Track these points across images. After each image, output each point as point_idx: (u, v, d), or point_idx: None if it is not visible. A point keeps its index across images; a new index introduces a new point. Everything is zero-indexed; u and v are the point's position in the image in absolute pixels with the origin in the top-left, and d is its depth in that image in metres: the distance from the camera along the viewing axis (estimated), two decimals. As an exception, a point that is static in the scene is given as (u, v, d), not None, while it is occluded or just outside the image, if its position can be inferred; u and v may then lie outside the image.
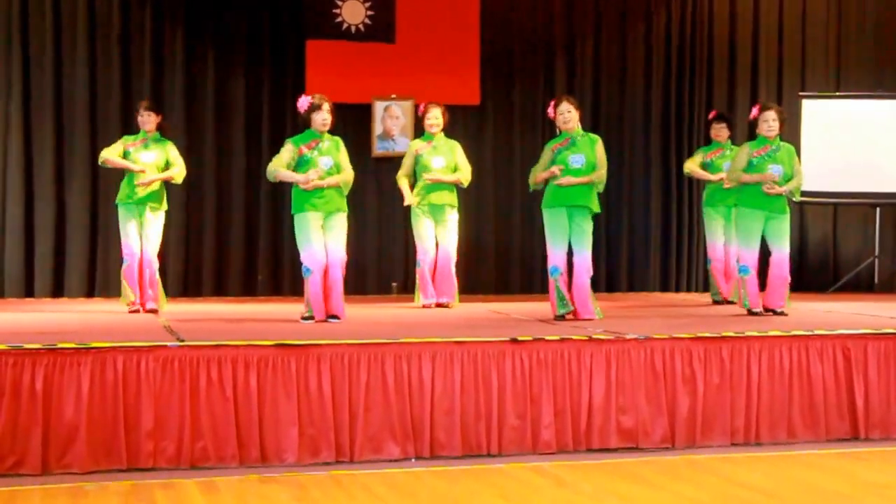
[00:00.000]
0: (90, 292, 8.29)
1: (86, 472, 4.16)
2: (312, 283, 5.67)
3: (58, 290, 8.24)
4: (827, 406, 4.97)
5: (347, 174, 5.83)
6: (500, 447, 4.61)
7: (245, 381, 4.38)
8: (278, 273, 8.77)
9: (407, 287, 8.67)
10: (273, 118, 8.78)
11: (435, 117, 7.09)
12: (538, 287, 9.15)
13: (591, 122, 9.37)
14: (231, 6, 8.67)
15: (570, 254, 5.99)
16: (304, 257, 5.71)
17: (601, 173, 5.94)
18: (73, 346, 4.29)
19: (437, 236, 7.08)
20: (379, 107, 8.96)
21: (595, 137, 6.04)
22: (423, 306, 6.99)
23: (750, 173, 6.23)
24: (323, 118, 5.73)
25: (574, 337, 4.82)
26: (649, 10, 9.56)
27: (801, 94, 9.32)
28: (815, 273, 9.66)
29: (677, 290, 9.47)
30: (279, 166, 5.74)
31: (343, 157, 5.84)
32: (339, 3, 8.87)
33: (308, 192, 5.67)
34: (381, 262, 9.03)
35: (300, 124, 5.90)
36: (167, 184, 6.76)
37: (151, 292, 6.58)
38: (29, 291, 8.19)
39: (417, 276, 7.13)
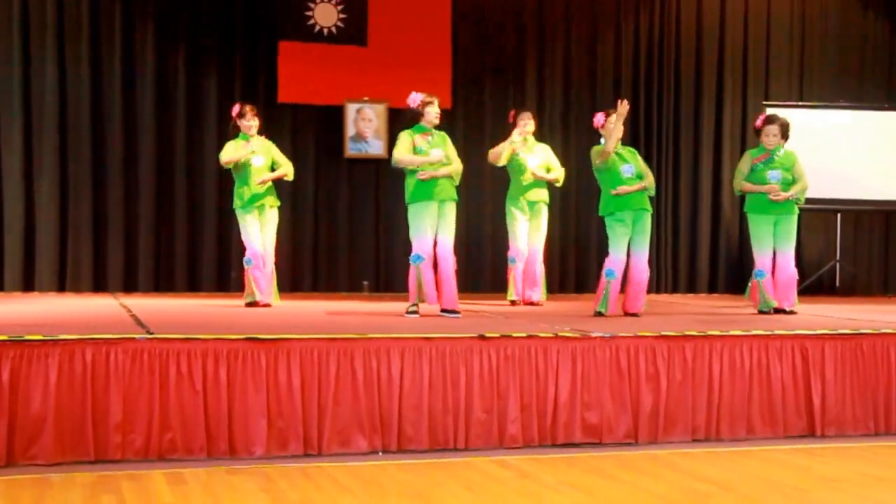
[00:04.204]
0: (61, 287, 8.27)
1: (52, 463, 4.17)
2: (422, 271, 5.95)
3: (28, 285, 8.22)
4: (785, 404, 5.10)
5: (457, 165, 6.16)
6: (467, 441, 4.68)
7: (214, 374, 4.41)
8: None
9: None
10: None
11: (522, 122, 7.35)
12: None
13: (561, 127, 9.53)
14: (203, 7, 8.69)
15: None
16: (416, 245, 5.99)
17: (651, 180, 6.35)
18: (40, 337, 4.29)
19: (529, 234, 7.33)
20: (351, 109, 9.01)
21: (633, 150, 6.46)
22: (512, 303, 7.25)
23: (752, 181, 6.55)
24: (436, 112, 6.14)
25: (541, 334, 4.90)
26: (618, 20, 9.73)
27: (764, 102, 9.52)
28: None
29: (649, 291, 9.58)
30: (406, 152, 6.06)
31: (451, 149, 6.17)
32: (312, 6, 8.92)
33: (424, 182, 5.98)
34: (353, 262, 9.09)
35: (409, 119, 6.20)
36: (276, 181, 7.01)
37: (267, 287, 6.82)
38: (-1, 285, 8.18)
39: (512, 272, 7.32)
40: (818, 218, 9.97)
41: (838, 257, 9.68)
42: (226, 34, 8.77)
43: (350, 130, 9.04)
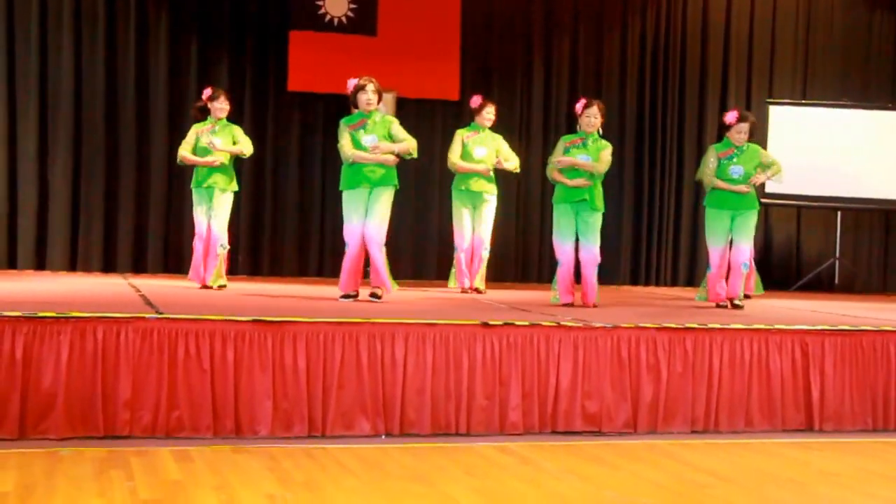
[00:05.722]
0: (72, 266, 8.38)
1: (62, 438, 4.25)
2: (346, 258, 6.01)
3: (41, 264, 8.33)
4: (784, 398, 5.16)
5: (402, 144, 5.97)
6: (469, 427, 4.74)
7: (222, 355, 4.48)
8: (257, 253, 8.91)
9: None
10: (255, 108, 8.89)
11: (489, 113, 7.33)
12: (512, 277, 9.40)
13: (567, 122, 9.57)
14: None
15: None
16: (345, 233, 6.00)
17: (599, 165, 6.17)
18: (53, 315, 4.37)
19: (473, 223, 7.34)
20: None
21: (605, 144, 6.29)
22: (462, 290, 7.27)
23: (718, 177, 6.56)
24: (367, 98, 5.94)
25: (543, 323, 4.97)
26: (625, 17, 9.78)
27: (768, 100, 9.58)
28: (778, 272, 9.96)
29: (647, 283, 9.71)
30: (349, 148, 5.96)
31: (395, 130, 5.99)
32: (323, -4, 8.99)
33: (351, 168, 5.94)
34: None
35: (349, 105, 6.16)
36: (237, 165, 7.07)
37: (213, 266, 6.88)
38: (12, 264, 8.27)
39: (454, 261, 7.38)
40: (819, 215, 10.03)
41: (838, 255, 9.74)
42: (237, 23, 8.85)
43: (358, 119, 9.09)
